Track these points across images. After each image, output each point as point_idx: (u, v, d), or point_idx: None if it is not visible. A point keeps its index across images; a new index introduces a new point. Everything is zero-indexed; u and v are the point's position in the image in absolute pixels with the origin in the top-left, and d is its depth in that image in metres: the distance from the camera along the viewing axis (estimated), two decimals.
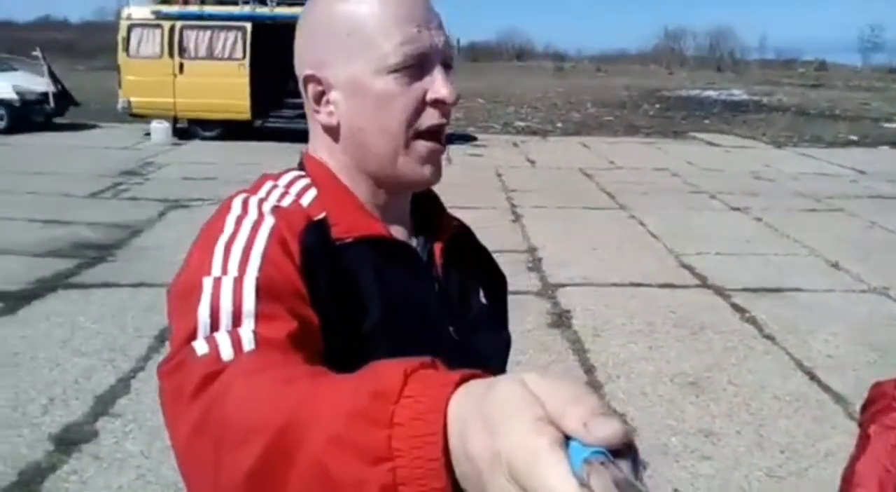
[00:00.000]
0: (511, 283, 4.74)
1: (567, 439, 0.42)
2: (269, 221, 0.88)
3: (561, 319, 5.48)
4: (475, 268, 1.14)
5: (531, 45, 68.20)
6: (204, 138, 14.53)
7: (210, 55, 14.19)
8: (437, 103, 0.95)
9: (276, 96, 14.86)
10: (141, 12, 14.54)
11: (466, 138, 16.45)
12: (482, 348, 1.04)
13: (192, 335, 0.75)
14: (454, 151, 14.34)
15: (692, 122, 20.99)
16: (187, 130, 14.82)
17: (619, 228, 8.40)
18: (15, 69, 16.71)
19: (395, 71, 0.92)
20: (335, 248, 0.92)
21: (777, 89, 33.26)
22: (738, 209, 9.61)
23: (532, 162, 13.22)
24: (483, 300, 1.12)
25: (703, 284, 6.44)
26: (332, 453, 0.52)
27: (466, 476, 0.47)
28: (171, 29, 14.23)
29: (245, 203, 0.92)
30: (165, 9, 14.40)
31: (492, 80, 33.68)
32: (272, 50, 13.90)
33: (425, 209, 1.10)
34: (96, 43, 38.36)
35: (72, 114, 16.59)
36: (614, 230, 8.28)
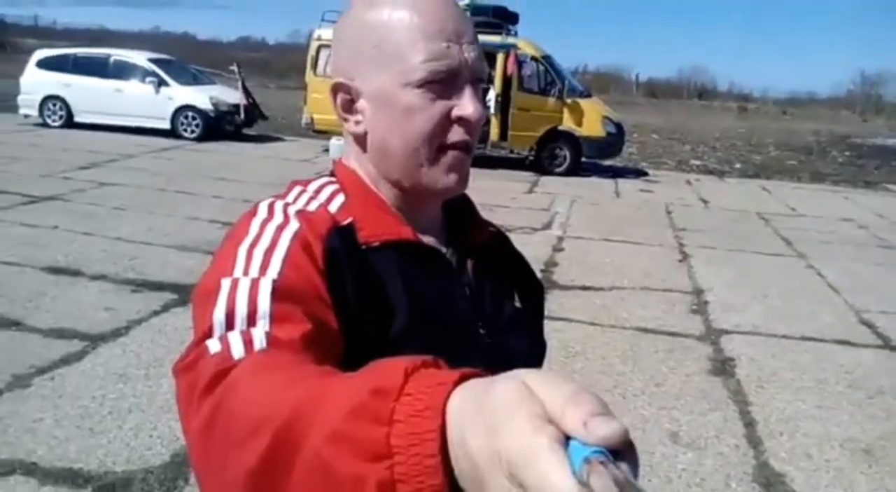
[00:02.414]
0: (672, 324, 4.55)
1: (567, 438, 0.42)
2: (293, 224, 0.89)
3: (724, 367, 5.19)
4: (510, 274, 1.13)
5: (714, 84, 66.14)
6: None
7: None
8: (462, 121, 0.94)
9: None
10: (331, 34, 15.22)
11: (638, 173, 16.10)
12: (515, 351, 1.02)
13: (208, 334, 0.76)
14: (623, 184, 14.07)
15: (887, 172, 19.50)
16: None
17: (794, 277, 7.89)
18: (213, 82, 17.98)
19: (421, 85, 0.92)
20: (361, 252, 0.92)
21: None
22: None
23: (705, 201, 12.72)
24: (517, 304, 1.11)
25: (886, 345, 5.92)
26: (332, 449, 0.52)
27: (465, 474, 0.46)
28: None
29: (271, 207, 0.93)
30: None
31: (670, 117, 32.93)
32: None
33: (459, 215, 1.11)
34: (288, 63, 40.68)
35: (259, 126, 17.63)
36: (789, 279, 7.78)
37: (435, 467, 0.47)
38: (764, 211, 11.98)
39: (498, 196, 11.41)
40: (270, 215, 0.91)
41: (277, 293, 0.79)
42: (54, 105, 16.49)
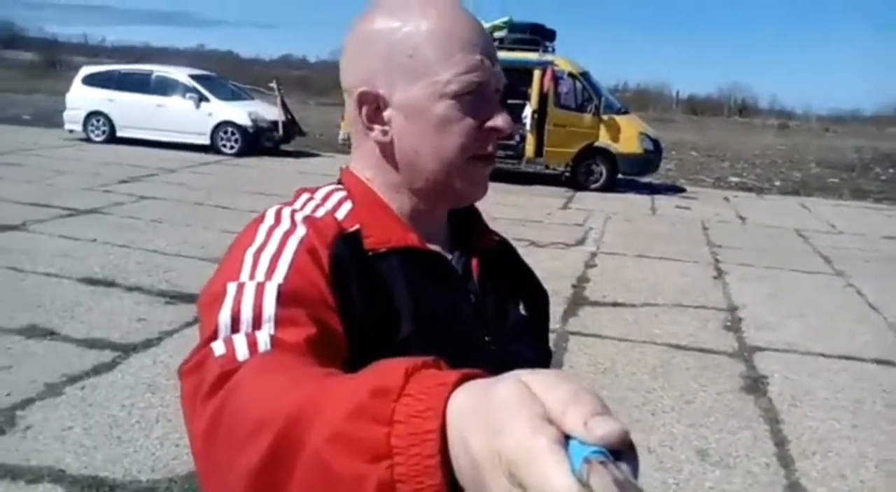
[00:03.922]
0: (705, 341, 4.48)
1: (567, 438, 0.42)
2: (300, 230, 0.90)
3: (756, 385, 5.09)
4: (516, 282, 1.14)
5: (755, 101, 65.20)
6: None
7: None
8: (494, 132, 0.97)
9: None
10: None
11: (675, 190, 15.95)
12: (520, 359, 0.98)
13: (213, 337, 0.77)
14: (659, 201, 13.95)
15: None
16: None
17: (832, 295, 7.74)
18: (252, 99, 18.22)
19: (455, 98, 0.93)
20: (367, 258, 0.93)
21: None
22: None
23: (743, 218, 12.56)
24: (523, 312, 1.11)
25: None
26: (333, 449, 0.52)
27: (465, 475, 0.46)
28: None
29: (278, 214, 0.94)
30: None
31: (709, 134, 32.63)
32: None
33: (465, 224, 1.11)
34: (328, 81, 40.91)
35: (297, 142, 17.81)
36: (827, 297, 7.64)
37: (435, 468, 0.47)
38: (803, 228, 11.80)
39: (532, 212, 11.40)
40: (277, 221, 0.92)
41: (283, 297, 0.80)
42: (98, 120, 16.84)
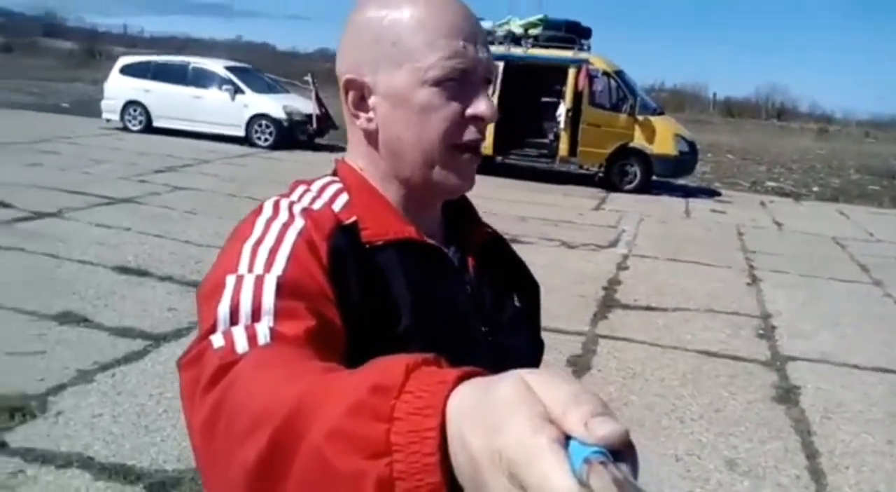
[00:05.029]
0: (737, 349, 4.41)
1: (567, 438, 0.42)
2: (298, 222, 0.90)
3: (788, 395, 5.01)
4: (509, 275, 1.14)
5: (793, 104, 64.13)
6: None
7: None
8: (476, 119, 0.96)
9: (521, 135, 15.01)
10: None
11: (710, 193, 15.77)
12: (515, 349, 1.02)
13: (212, 330, 0.76)
14: (694, 204, 13.80)
15: None
16: None
17: (869, 305, 7.60)
18: (287, 92, 18.30)
19: (437, 84, 0.93)
20: (365, 251, 0.93)
21: None
22: None
23: (779, 224, 12.38)
24: (517, 304, 1.11)
25: None
26: (332, 445, 0.52)
27: (464, 473, 0.46)
28: None
29: (276, 206, 0.94)
30: None
31: (746, 137, 32.22)
32: (521, 90, 14.13)
33: (459, 217, 1.11)
34: None
35: (331, 136, 17.84)
36: (863, 306, 7.50)
37: (434, 466, 0.47)
38: (840, 236, 11.61)
39: (565, 212, 11.34)
40: (275, 214, 0.92)
41: (282, 290, 0.80)
42: (135, 110, 17.03)
